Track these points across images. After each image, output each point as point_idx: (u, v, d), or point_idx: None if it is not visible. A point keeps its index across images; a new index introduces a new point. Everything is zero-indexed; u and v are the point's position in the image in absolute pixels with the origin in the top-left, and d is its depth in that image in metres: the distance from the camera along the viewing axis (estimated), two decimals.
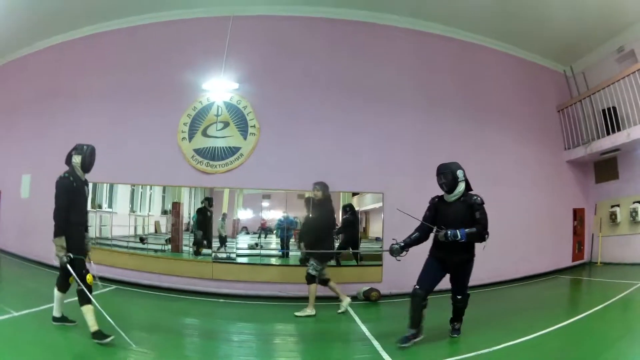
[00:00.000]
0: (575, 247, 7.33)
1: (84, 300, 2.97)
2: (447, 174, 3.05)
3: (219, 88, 5.69)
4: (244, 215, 5.78)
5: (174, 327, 3.83)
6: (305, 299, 4.44)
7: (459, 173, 3.06)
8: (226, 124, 5.59)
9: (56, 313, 3.24)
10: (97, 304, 3.05)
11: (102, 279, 5.25)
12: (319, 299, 4.71)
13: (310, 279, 4.28)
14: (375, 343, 3.23)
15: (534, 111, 7.20)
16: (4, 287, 5.02)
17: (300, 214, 5.58)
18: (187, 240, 5.62)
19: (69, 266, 2.95)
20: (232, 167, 5.50)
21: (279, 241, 5.60)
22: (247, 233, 5.74)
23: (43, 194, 6.92)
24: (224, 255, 5.53)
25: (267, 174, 5.35)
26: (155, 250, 5.69)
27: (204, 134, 5.62)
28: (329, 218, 4.33)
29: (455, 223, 2.97)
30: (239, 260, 5.51)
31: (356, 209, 5.68)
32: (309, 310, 4.26)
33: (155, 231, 5.75)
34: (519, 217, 6.33)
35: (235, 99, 5.69)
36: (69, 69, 6.89)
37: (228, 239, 5.58)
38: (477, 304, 4.27)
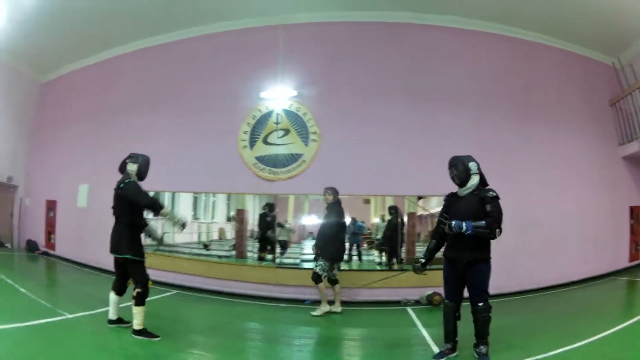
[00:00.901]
0: (632, 247, 7.13)
1: (140, 301, 3.11)
2: (458, 166, 2.89)
3: (277, 96, 5.76)
4: (310, 221, 5.82)
5: (232, 331, 3.84)
6: (370, 303, 4.70)
7: (472, 165, 2.88)
8: (286, 131, 5.65)
9: (112, 316, 3.35)
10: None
11: (164, 284, 5.45)
12: (378, 304, 4.87)
13: (317, 278, 4.46)
14: (435, 348, 3.18)
15: (586, 106, 7.02)
16: (59, 292, 5.25)
17: (367, 218, 5.59)
18: (251, 247, 5.69)
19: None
20: (295, 174, 5.56)
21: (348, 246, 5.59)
22: (314, 239, 5.78)
23: (100, 203, 7.21)
24: (290, 261, 5.58)
25: (331, 180, 5.31)
26: (219, 256, 5.79)
27: (265, 141, 5.69)
28: (339, 220, 4.59)
29: (465, 217, 2.76)
30: (305, 265, 5.54)
31: (420, 212, 5.63)
32: (323, 307, 4.50)
33: (220, 238, 5.84)
34: (573, 217, 6.21)
35: (295, 106, 5.74)
36: (123, 81, 7.09)
37: (293, 245, 5.63)
38: (533, 309, 4.24)
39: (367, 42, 5.99)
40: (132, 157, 3.28)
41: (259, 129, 5.75)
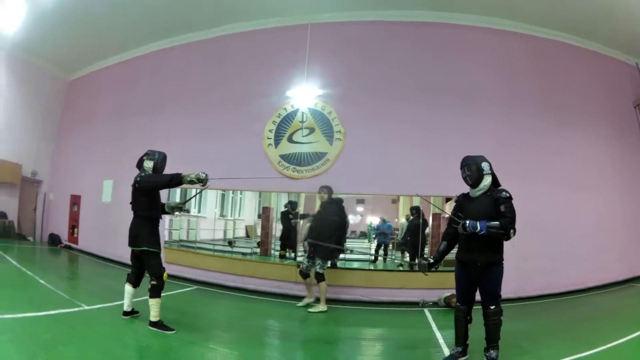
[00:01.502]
0: None
1: (156, 294, 3.17)
2: (471, 166, 2.84)
3: (303, 95, 5.81)
4: None
5: (248, 327, 3.85)
6: (389, 304, 4.78)
7: (484, 165, 2.84)
8: (311, 130, 5.70)
9: (127, 307, 3.42)
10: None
11: (185, 279, 5.52)
12: (397, 304, 4.96)
13: (320, 278, 4.58)
14: (447, 351, 3.13)
15: (611, 107, 6.91)
16: (79, 284, 5.32)
17: (394, 218, 5.61)
18: (276, 244, 5.76)
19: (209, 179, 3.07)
20: (319, 172, 5.60)
21: (376, 246, 5.63)
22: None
23: (123, 199, 7.35)
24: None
25: (355, 179, 5.40)
26: (244, 254, 5.86)
27: (290, 140, 5.75)
28: (338, 219, 4.73)
29: (479, 218, 2.71)
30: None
31: (441, 213, 5.62)
32: (322, 307, 4.58)
33: (247, 235, 5.90)
34: (594, 221, 6.12)
35: (320, 105, 5.79)
36: (147, 80, 7.23)
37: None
38: (549, 314, 4.17)
39: (392, 42, 6.00)
40: (149, 154, 3.35)
41: (284, 127, 5.81)
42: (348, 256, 5.57)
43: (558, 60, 6.64)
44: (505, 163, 5.59)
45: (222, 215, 6.06)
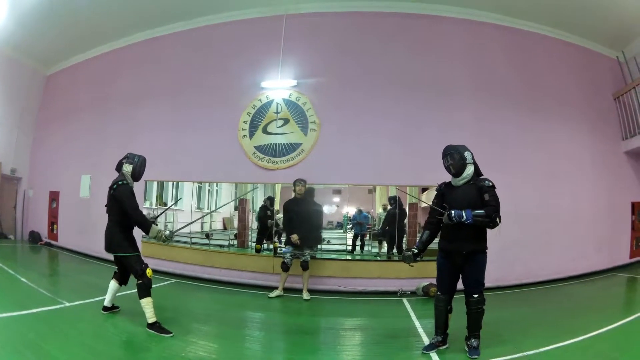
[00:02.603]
0: (633, 243, 7.06)
1: (144, 293, 3.12)
2: (454, 155, 2.84)
3: (278, 86, 5.77)
4: None
5: (228, 319, 3.86)
6: (367, 293, 4.91)
7: (467, 154, 2.86)
8: (286, 121, 5.67)
9: (107, 303, 3.42)
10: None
11: (164, 273, 5.47)
12: (375, 294, 5.05)
13: (307, 266, 4.79)
14: (426, 340, 3.18)
15: (590, 99, 6.97)
16: (59, 281, 5.29)
17: (370, 208, 5.59)
18: (253, 236, 5.72)
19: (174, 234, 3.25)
20: (294, 163, 5.57)
21: (353, 236, 5.60)
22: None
23: (101, 194, 7.28)
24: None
25: (330, 169, 5.39)
26: (221, 246, 5.81)
27: (265, 131, 5.71)
28: (319, 209, 4.97)
29: (463, 207, 2.72)
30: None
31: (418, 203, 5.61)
32: (306, 295, 4.75)
33: (225, 228, 5.86)
34: (574, 212, 6.17)
35: (295, 95, 5.76)
36: (123, 73, 7.14)
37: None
38: (530, 303, 4.20)
39: (368, 33, 5.99)
40: (129, 158, 3.31)
41: (258, 118, 5.78)
42: (325, 246, 5.57)
43: (538, 53, 6.67)
44: (483, 154, 5.62)
45: (199, 207, 6.00)
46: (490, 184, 2.79)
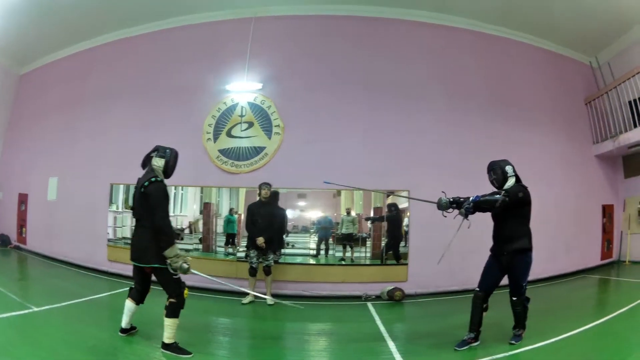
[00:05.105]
0: (604, 246, 7.12)
1: (173, 313, 2.76)
2: (496, 170, 3.09)
3: (243, 89, 5.72)
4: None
5: (192, 324, 3.66)
6: (331, 298, 4.92)
7: (508, 169, 3.09)
8: (250, 124, 5.61)
9: (124, 325, 3.01)
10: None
11: (129, 277, 5.38)
12: (340, 298, 5.03)
13: (270, 271, 4.81)
14: (391, 344, 3.20)
15: (562, 104, 7.02)
16: (29, 285, 5.19)
17: (336, 213, 5.60)
18: (219, 240, 5.68)
19: (191, 270, 2.76)
20: (257, 167, 5.52)
21: (317, 241, 5.57)
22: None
23: (69, 196, 7.16)
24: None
25: (294, 173, 5.34)
26: (187, 250, 5.74)
27: (229, 134, 5.66)
28: (281, 213, 5.04)
29: (498, 215, 3.01)
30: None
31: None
32: (269, 300, 4.60)
33: (191, 231, 5.80)
34: (546, 215, 6.15)
35: (259, 99, 5.71)
36: (94, 73, 7.03)
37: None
38: (499, 306, 4.18)
39: (335, 37, 5.96)
40: (159, 151, 2.84)
41: (223, 121, 5.71)
42: (289, 251, 5.52)
43: (510, 58, 6.69)
44: (451, 159, 5.64)
45: None
46: (517, 188, 2.97)
